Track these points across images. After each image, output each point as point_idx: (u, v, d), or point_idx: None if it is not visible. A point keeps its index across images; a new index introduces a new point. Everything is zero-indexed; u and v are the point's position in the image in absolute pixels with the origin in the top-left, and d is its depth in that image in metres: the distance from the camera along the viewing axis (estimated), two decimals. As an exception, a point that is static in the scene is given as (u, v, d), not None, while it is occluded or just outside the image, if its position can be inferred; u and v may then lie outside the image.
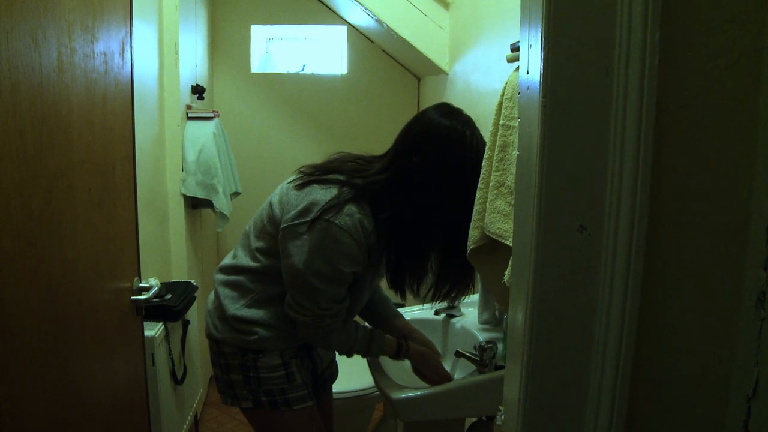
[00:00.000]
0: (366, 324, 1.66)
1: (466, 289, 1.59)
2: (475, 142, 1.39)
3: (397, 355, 1.58)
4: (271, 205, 1.47)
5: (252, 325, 1.47)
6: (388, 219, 1.39)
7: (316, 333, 1.45)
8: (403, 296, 1.55)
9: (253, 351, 1.48)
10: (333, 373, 1.77)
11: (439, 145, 1.38)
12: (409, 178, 1.39)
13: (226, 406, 1.58)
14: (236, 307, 1.48)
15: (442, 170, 1.38)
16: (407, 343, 1.60)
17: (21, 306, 0.98)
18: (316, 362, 1.64)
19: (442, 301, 1.60)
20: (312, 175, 1.43)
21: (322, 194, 1.37)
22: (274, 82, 3.60)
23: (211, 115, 2.87)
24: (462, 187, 1.38)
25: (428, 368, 1.61)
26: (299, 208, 1.37)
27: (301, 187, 1.41)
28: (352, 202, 1.35)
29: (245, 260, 1.51)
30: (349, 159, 1.49)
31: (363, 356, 1.58)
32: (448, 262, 1.52)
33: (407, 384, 1.56)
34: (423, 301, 1.64)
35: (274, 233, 1.44)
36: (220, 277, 1.55)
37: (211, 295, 1.58)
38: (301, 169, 1.48)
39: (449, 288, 1.55)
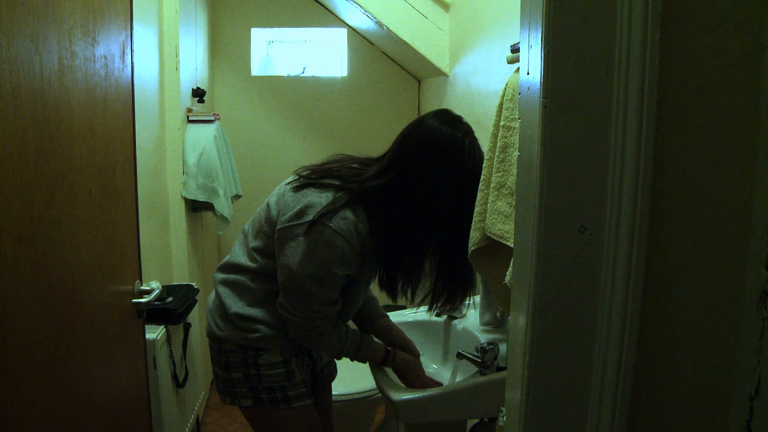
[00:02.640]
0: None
1: (462, 298, 1.59)
2: (474, 152, 1.41)
3: (383, 362, 1.59)
4: (268, 205, 1.48)
5: (254, 322, 1.48)
6: (383, 224, 1.40)
7: (307, 334, 1.46)
8: (394, 299, 1.56)
9: (254, 348, 1.49)
10: (332, 372, 1.77)
11: (439, 153, 1.39)
12: (406, 185, 1.39)
13: (227, 406, 1.59)
14: (239, 306, 1.49)
15: (439, 178, 1.39)
16: (395, 351, 1.60)
17: (22, 308, 0.98)
18: (315, 361, 1.65)
19: (439, 309, 1.60)
20: (309, 178, 1.44)
21: (317, 198, 1.38)
22: (274, 84, 3.60)
23: (212, 118, 2.87)
24: (458, 197, 1.39)
25: (412, 376, 1.62)
26: (295, 210, 1.38)
27: (297, 189, 1.42)
28: (348, 206, 1.37)
29: (243, 259, 1.52)
30: (346, 162, 1.49)
31: (351, 360, 1.58)
32: (445, 271, 1.52)
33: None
34: (417, 308, 1.64)
35: (270, 233, 1.45)
36: (220, 276, 1.57)
37: (212, 295, 1.59)
38: (299, 171, 1.49)
39: (446, 298, 1.56)
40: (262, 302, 1.49)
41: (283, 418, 1.53)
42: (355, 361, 1.59)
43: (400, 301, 1.60)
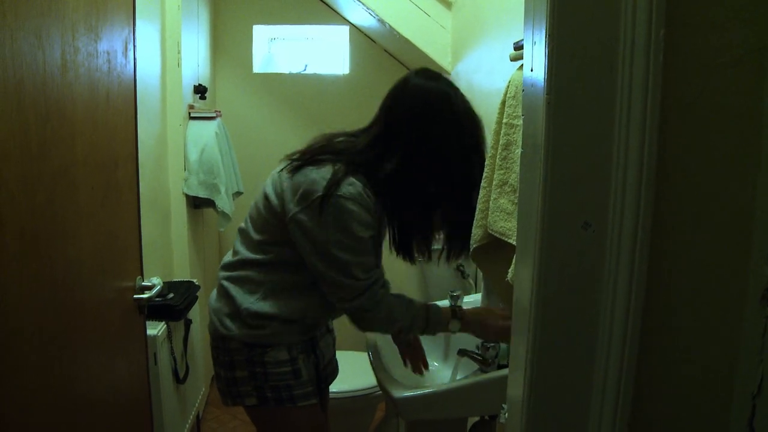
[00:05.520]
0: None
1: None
2: (463, 100, 1.44)
3: (453, 317, 1.53)
4: (266, 196, 1.47)
5: (265, 318, 1.46)
6: (387, 189, 1.41)
7: (375, 313, 1.42)
8: (412, 261, 1.55)
9: (260, 345, 1.48)
10: (334, 371, 1.76)
11: (431, 108, 1.41)
12: (404, 147, 1.40)
13: (227, 407, 1.57)
14: (250, 301, 1.47)
15: (436, 133, 1.40)
16: (461, 308, 1.56)
17: (23, 303, 0.98)
18: (319, 357, 1.64)
19: (456, 260, 1.59)
20: (301, 160, 1.43)
21: (317, 174, 1.37)
22: (276, 82, 3.60)
23: (214, 114, 2.87)
24: (455, 148, 1.41)
25: (491, 322, 1.54)
26: (300, 192, 1.37)
27: (293, 172, 1.41)
28: (350, 174, 1.37)
29: (250, 254, 1.50)
30: (332, 139, 1.50)
31: (423, 330, 1.52)
32: (455, 221, 1.51)
33: (410, 383, 1.56)
34: (437, 264, 1.63)
35: (275, 223, 1.44)
36: (225, 274, 1.54)
37: (214, 293, 1.57)
38: (289, 157, 1.48)
39: (461, 246, 1.54)
40: (274, 296, 1.47)
41: (288, 418, 1.51)
42: (426, 332, 1.53)
43: (417, 262, 1.59)
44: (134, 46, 1.50)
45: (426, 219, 1.50)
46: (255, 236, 1.50)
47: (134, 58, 1.50)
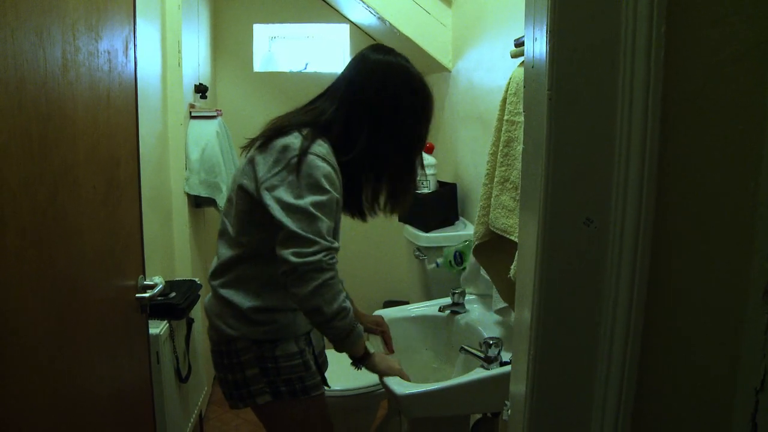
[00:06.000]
0: None
1: (408, 197, 1.66)
2: (416, 70, 1.57)
3: (361, 360, 1.55)
4: (240, 187, 1.48)
5: (271, 312, 1.47)
6: (353, 159, 1.48)
7: (329, 277, 1.37)
8: (364, 219, 1.66)
9: (270, 341, 1.48)
10: (325, 361, 1.74)
11: (392, 80, 1.51)
12: (368, 115, 1.49)
13: (236, 410, 1.56)
14: (250, 298, 1.47)
15: (396, 101, 1.50)
16: (372, 357, 1.57)
17: (26, 302, 0.98)
18: (314, 348, 1.62)
19: (400, 213, 1.70)
20: (265, 137, 1.49)
21: (288, 140, 1.43)
22: (276, 80, 3.60)
23: (214, 113, 2.87)
24: (409, 112, 1.52)
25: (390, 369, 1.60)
26: (271, 159, 1.41)
27: (262, 148, 1.46)
28: (318, 137, 1.44)
29: (232, 252, 1.50)
30: (288, 116, 1.56)
31: (349, 333, 1.46)
32: (400, 179, 1.60)
33: (412, 380, 1.56)
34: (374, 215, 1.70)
35: (249, 202, 1.46)
36: (217, 282, 1.53)
37: (210, 300, 1.56)
38: (252, 144, 1.53)
39: (402, 201, 1.63)
40: (270, 287, 1.47)
41: (303, 409, 1.52)
42: (342, 342, 1.49)
43: (369, 219, 1.69)
44: (135, 45, 1.50)
45: (379, 180, 1.59)
46: (234, 233, 1.51)
47: (135, 58, 1.50)
